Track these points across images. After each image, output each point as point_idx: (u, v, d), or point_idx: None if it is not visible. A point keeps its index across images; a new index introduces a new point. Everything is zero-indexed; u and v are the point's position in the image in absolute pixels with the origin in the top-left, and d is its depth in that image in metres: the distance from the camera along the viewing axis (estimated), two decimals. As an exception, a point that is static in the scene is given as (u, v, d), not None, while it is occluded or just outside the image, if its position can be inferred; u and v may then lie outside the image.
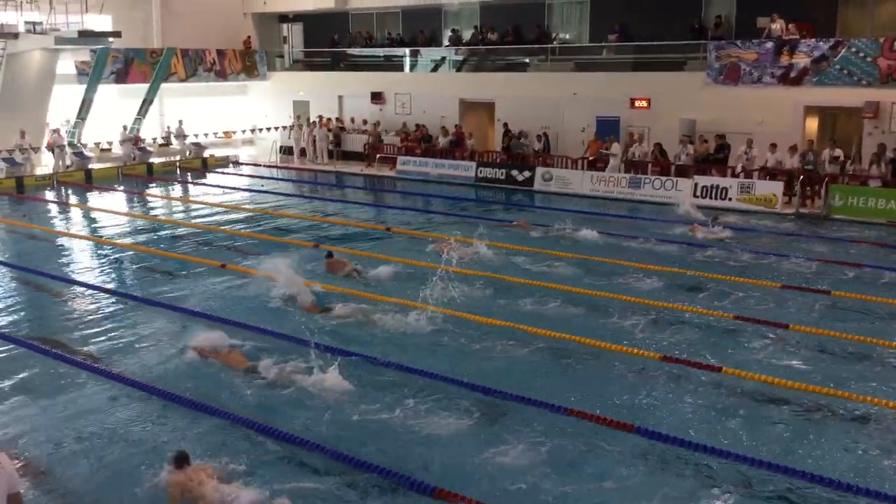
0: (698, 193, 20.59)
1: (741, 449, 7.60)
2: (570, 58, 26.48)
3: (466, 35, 29.09)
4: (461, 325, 11.06)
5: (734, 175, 20.87)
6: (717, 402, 8.79)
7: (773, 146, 20.59)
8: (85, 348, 10.36)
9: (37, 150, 24.90)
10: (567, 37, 27.51)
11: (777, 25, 21.60)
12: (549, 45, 26.71)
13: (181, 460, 6.87)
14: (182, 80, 30.27)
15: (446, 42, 29.58)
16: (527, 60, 27.21)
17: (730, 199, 20.20)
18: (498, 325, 10.97)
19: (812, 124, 22.17)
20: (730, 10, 23.90)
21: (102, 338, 10.76)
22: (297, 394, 8.82)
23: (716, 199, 20.34)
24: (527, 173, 23.42)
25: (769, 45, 21.45)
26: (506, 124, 25.97)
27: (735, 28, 23.58)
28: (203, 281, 13.37)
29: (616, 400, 8.79)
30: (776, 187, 19.91)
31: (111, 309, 11.98)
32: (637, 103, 23.95)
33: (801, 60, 20.99)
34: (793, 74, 21.16)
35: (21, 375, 9.46)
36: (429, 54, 29.62)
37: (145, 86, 28.80)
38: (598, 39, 26.07)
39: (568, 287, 12.78)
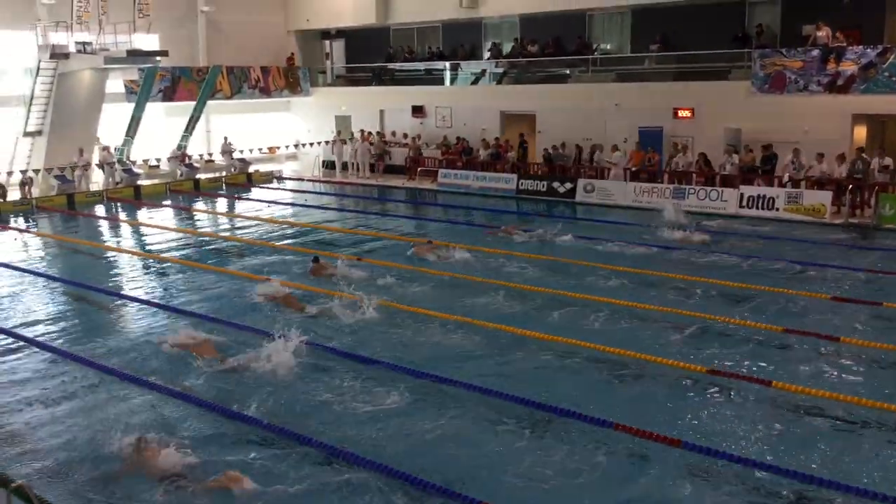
0: (745, 203, 20.31)
1: (791, 464, 7.44)
2: (611, 68, 26.36)
3: (507, 47, 29.15)
4: (495, 336, 11.06)
5: (781, 185, 20.53)
6: (766, 416, 8.62)
7: (821, 155, 20.22)
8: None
9: (87, 167, 25.51)
10: (608, 47, 27.40)
11: (823, 33, 21.24)
12: (590, 56, 26.63)
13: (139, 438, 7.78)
14: (227, 98, 30.84)
15: (486, 55, 29.67)
16: (567, 72, 27.17)
17: (777, 210, 19.87)
18: (534, 337, 10.92)
19: (860, 132, 21.71)
20: (774, 18, 23.60)
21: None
22: (254, 379, 9.68)
23: (762, 209, 20.04)
24: (568, 185, 23.32)
25: (815, 52, 21.10)
26: (524, 142, 25.96)
27: (780, 36, 23.27)
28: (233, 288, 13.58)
29: (662, 414, 8.68)
30: (825, 197, 19.53)
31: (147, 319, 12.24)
32: (680, 113, 23.72)
33: (849, 68, 20.59)
34: (840, 82, 20.77)
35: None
36: (469, 67, 29.73)
37: (192, 103, 29.42)
38: (640, 49, 25.91)
39: (620, 300, 12.68)
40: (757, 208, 20.14)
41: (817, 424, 8.42)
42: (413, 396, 9.18)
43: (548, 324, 11.66)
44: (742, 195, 20.44)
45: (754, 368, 9.82)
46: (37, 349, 11.03)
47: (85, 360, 10.45)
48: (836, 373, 9.79)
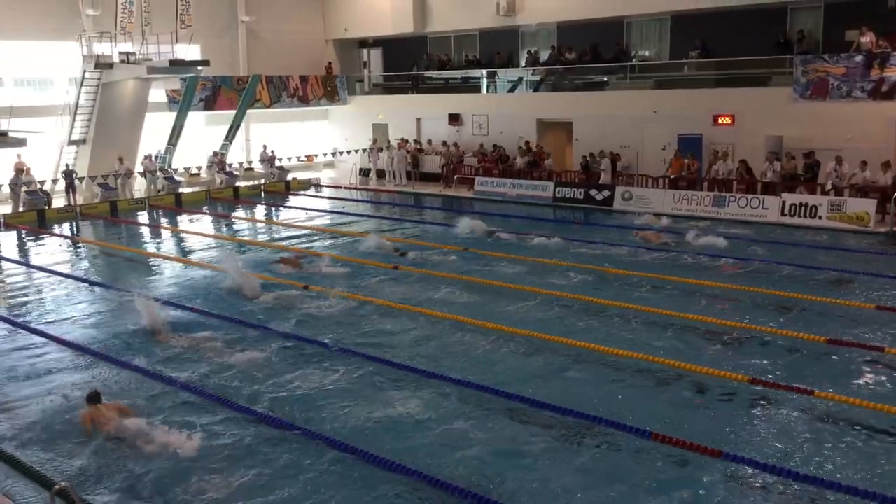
0: (786, 212, 19.99)
1: (835, 476, 7.30)
2: (649, 75, 26.17)
3: (544, 55, 29.10)
4: (542, 348, 11.01)
5: (824, 193, 20.19)
6: (808, 426, 8.47)
7: (864, 163, 19.84)
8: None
9: (130, 175, 25.98)
10: (646, 54, 27.22)
11: (867, 38, 20.88)
12: (629, 63, 26.46)
13: (92, 398, 8.71)
14: (266, 106, 31.23)
15: (523, 63, 29.65)
16: (605, 79, 27.03)
17: (820, 218, 19.52)
18: (570, 345, 10.86)
19: (905, 139, 21.28)
20: (816, 24, 23.26)
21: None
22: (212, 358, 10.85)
23: (805, 217, 19.71)
24: (606, 192, 23.17)
25: (859, 58, 20.73)
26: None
27: (822, 42, 22.90)
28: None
29: (701, 424, 8.56)
30: (869, 205, 19.14)
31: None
32: (720, 120, 23.44)
33: (893, 74, 20.20)
34: (884, 88, 20.37)
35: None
36: (506, 75, 29.73)
37: (232, 112, 29.85)
38: (679, 56, 25.68)
39: (658, 309, 12.56)
40: (799, 216, 19.80)
41: (861, 436, 8.24)
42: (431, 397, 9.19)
43: (585, 332, 11.59)
44: (784, 203, 20.12)
45: (797, 378, 9.64)
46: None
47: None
48: (880, 384, 9.59)
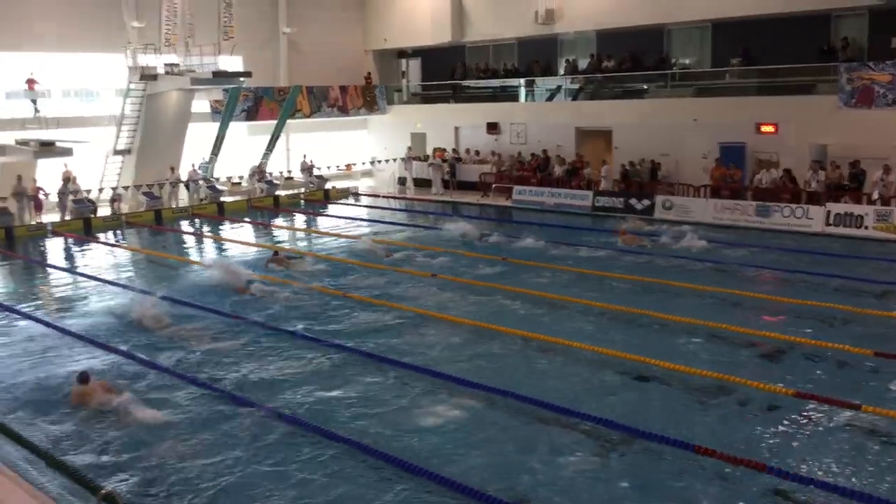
0: (831, 221, 19.62)
1: (882, 492, 7.12)
2: (690, 83, 25.93)
3: (582, 63, 28.99)
4: (579, 357, 10.94)
5: (870, 202, 19.78)
6: (855, 441, 8.29)
7: (912, 171, 19.43)
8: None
9: (174, 184, 26.42)
10: (687, 62, 26.97)
11: (914, 45, 20.46)
12: (669, 71, 26.25)
13: (83, 377, 9.77)
14: (307, 116, 31.55)
15: (562, 71, 29.57)
16: (645, 87, 26.83)
17: (866, 228, 19.13)
18: (610, 355, 10.77)
19: (955, 148, 20.78)
20: (861, 31, 22.81)
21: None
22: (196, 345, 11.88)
23: (850, 227, 19.33)
24: (646, 202, 22.96)
25: (906, 65, 20.33)
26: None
27: (867, 49, 22.47)
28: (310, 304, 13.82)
29: (745, 437, 8.43)
30: (917, 214, 18.73)
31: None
32: (763, 129, 23.12)
33: (942, 81, 19.77)
34: (933, 95, 19.95)
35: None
36: (544, 84, 29.67)
37: (273, 122, 30.23)
38: (721, 64, 25.39)
39: (700, 320, 12.41)
40: (844, 226, 19.43)
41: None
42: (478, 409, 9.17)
43: (624, 342, 11.50)
44: (829, 213, 19.76)
45: (843, 392, 9.43)
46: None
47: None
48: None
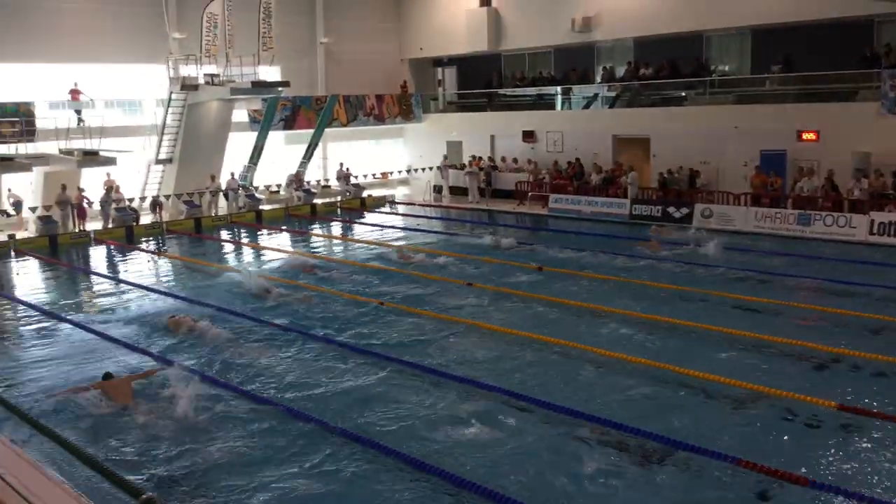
0: (875, 230, 19.24)
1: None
2: (730, 90, 25.64)
3: (619, 71, 28.83)
4: (618, 368, 10.84)
5: (915, 210, 19.37)
6: (903, 457, 8.09)
7: (961, 179, 18.96)
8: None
9: (215, 193, 26.77)
10: (726, 69, 26.68)
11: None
12: (708, 78, 25.98)
13: (107, 376, 10.53)
14: (344, 125, 31.78)
15: (599, 79, 29.43)
16: (683, 94, 26.59)
17: (911, 236, 18.73)
18: (649, 365, 10.65)
19: None
20: (905, 37, 22.40)
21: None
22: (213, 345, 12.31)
23: (894, 236, 18.92)
24: (684, 210, 22.73)
25: (952, 70, 19.87)
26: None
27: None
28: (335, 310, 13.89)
29: (787, 450, 8.28)
30: (965, 223, 18.28)
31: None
32: (805, 136, 22.75)
33: None
34: (981, 101, 19.47)
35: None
36: (581, 92, 29.56)
37: (310, 131, 30.52)
38: (761, 71, 25.08)
39: (741, 331, 12.23)
40: (888, 235, 19.04)
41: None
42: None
43: (663, 352, 11.37)
44: (872, 222, 19.37)
45: (888, 405, 9.22)
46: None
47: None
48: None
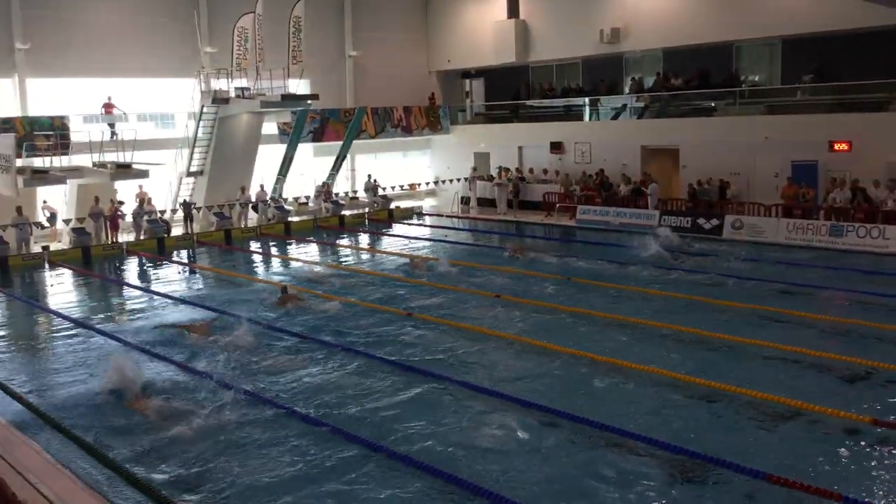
0: (910, 242, 18.93)
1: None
2: (760, 100, 25.43)
3: (648, 81, 28.72)
4: (646, 380, 10.76)
5: (952, 222, 19.02)
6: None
7: None
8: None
9: (245, 205, 27.04)
10: (757, 79, 26.45)
11: None
12: (738, 89, 25.78)
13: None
14: (372, 137, 31.97)
15: (627, 89, 29.32)
16: (713, 105, 26.39)
17: (948, 248, 18.39)
18: (680, 380, 10.54)
19: None
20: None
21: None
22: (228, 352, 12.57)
23: (931, 247, 18.62)
24: (714, 221, 22.52)
25: None
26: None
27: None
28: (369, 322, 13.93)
29: (820, 466, 8.15)
30: None
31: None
32: (837, 146, 22.46)
33: None
34: None
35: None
36: (609, 102, 29.47)
37: (338, 143, 30.75)
38: (791, 81, 24.84)
39: (773, 343, 12.09)
40: (924, 246, 18.72)
41: None
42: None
43: (691, 364, 11.26)
44: (907, 233, 19.07)
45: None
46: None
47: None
48: None
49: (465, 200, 30.61)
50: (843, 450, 8.53)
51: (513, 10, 31.58)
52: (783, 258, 19.01)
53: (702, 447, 8.48)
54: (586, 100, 29.97)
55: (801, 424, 9.19)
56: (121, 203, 24.33)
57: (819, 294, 15.32)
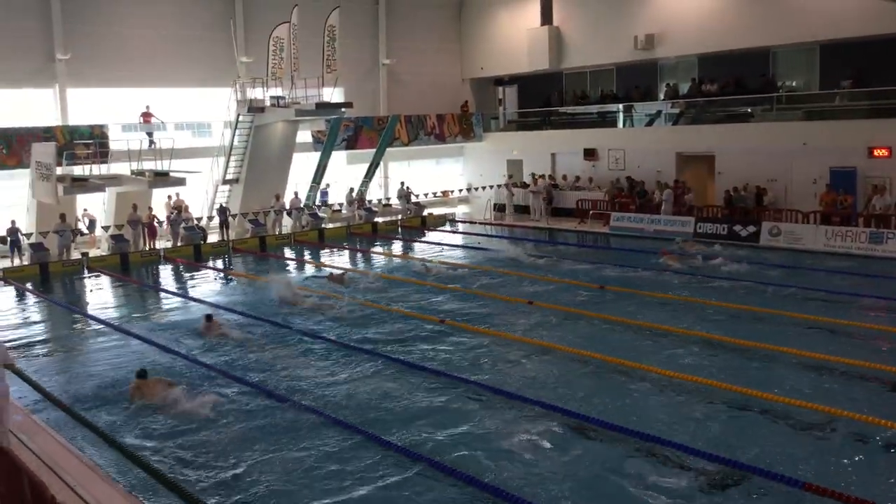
0: (953, 249, 18.51)
1: None
2: (798, 106, 25.09)
3: (683, 87, 28.48)
4: (679, 388, 10.63)
5: None
6: None
7: None
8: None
9: (279, 212, 27.30)
10: (794, 84, 26.10)
11: None
12: (775, 94, 25.45)
13: (141, 374, 11.19)
14: (405, 144, 32.12)
15: (662, 96, 29.11)
16: (749, 111, 26.08)
17: None
18: (717, 387, 10.40)
19: None
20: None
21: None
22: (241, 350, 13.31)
23: (975, 254, 18.19)
24: (751, 228, 22.23)
25: None
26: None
27: None
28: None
29: (859, 475, 7.99)
30: None
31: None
32: (876, 152, 22.07)
33: None
34: None
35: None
36: (643, 109, 29.27)
37: (372, 151, 30.93)
38: (830, 86, 24.46)
39: (809, 351, 11.89)
40: (969, 254, 18.29)
41: None
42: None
43: (729, 374, 11.10)
44: (951, 239, 18.65)
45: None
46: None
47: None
48: None
49: (499, 207, 30.58)
50: (881, 459, 8.35)
51: (546, 17, 31.53)
52: (822, 266, 18.70)
53: (737, 454, 8.36)
54: (620, 106, 29.80)
55: (839, 433, 9.00)
56: (183, 206, 25.05)
57: (859, 302, 15.03)
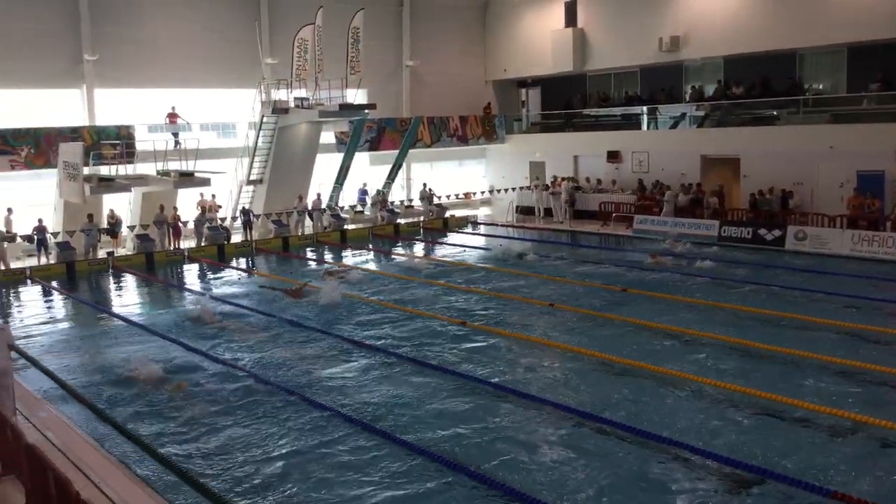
0: (984, 254, 18.20)
1: None
2: (825, 109, 24.78)
3: (708, 90, 28.26)
4: (701, 393, 10.54)
5: None
6: None
7: None
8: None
9: (302, 213, 27.43)
10: (821, 87, 25.82)
11: None
12: (802, 97, 25.18)
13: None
14: (427, 146, 32.15)
15: (687, 98, 28.91)
16: (775, 113, 25.82)
17: None
18: (744, 393, 10.30)
19: None
20: None
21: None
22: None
23: None
24: (777, 232, 22.00)
25: None
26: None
27: None
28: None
29: (888, 483, 7.88)
30: None
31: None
32: (905, 155, 21.78)
33: None
34: None
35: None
36: (668, 111, 29.09)
37: (395, 152, 30.99)
38: (857, 89, 24.16)
39: (831, 357, 11.74)
40: None
41: None
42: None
43: (755, 379, 11.00)
44: (981, 244, 18.34)
45: None
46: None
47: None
48: None
49: (523, 210, 30.48)
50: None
51: (570, 19, 31.45)
52: (848, 270, 18.47)
53: (762, 460, 8.29)
54: (644, 108, 29.63)
55: (865, 439, 8.90)
56: (219, 207, 25.41)
57: (886, 308, 14.83)
